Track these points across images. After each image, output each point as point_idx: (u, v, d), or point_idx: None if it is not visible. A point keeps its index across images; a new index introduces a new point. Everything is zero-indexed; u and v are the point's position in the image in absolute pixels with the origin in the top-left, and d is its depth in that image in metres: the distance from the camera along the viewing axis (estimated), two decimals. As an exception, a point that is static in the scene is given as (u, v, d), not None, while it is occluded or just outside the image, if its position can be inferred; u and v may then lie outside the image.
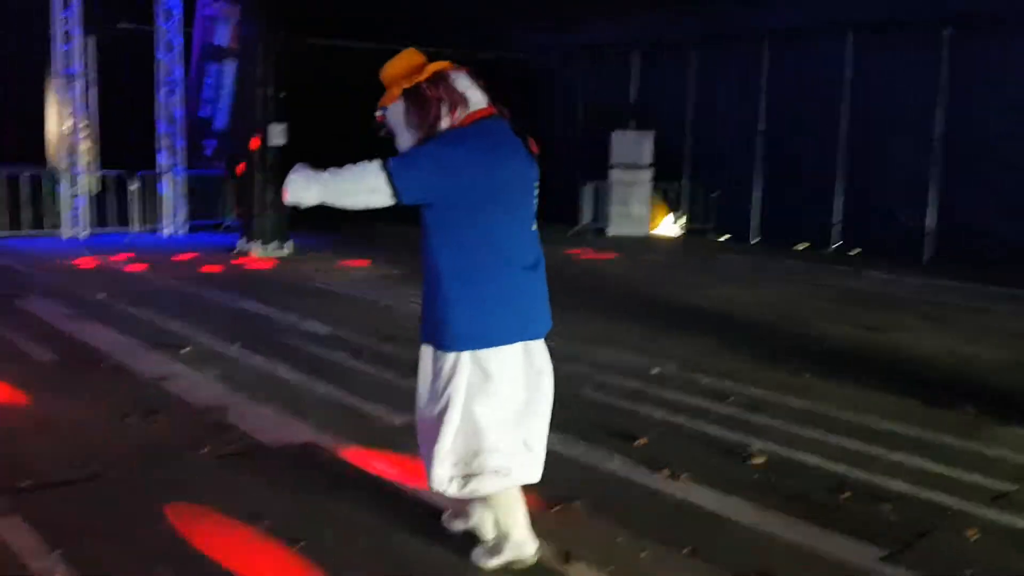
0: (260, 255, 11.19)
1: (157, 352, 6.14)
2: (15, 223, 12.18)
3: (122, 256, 10.90)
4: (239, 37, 12.42)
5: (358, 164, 2.95)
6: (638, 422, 4.87)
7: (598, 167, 15.01)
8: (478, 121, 3.03)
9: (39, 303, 7.84)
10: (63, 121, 12.79)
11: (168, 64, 13.21)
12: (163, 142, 13.26)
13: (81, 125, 13.16)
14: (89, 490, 3.72)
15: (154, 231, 13.20)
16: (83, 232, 12.66)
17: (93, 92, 13.97)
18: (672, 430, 4.78)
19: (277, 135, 10.91)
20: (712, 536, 3.49)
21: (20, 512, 3.43)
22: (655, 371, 5.99)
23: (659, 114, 15.15)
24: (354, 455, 4.23)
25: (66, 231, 12.55)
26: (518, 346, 3.06)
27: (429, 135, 3.00)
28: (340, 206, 3.02)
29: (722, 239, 14.51)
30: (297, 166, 3.05)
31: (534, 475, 3.16)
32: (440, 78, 3.03)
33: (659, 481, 4.03)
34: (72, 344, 6.37)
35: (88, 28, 12.88)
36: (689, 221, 15.24)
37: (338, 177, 2.96)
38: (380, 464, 4.11)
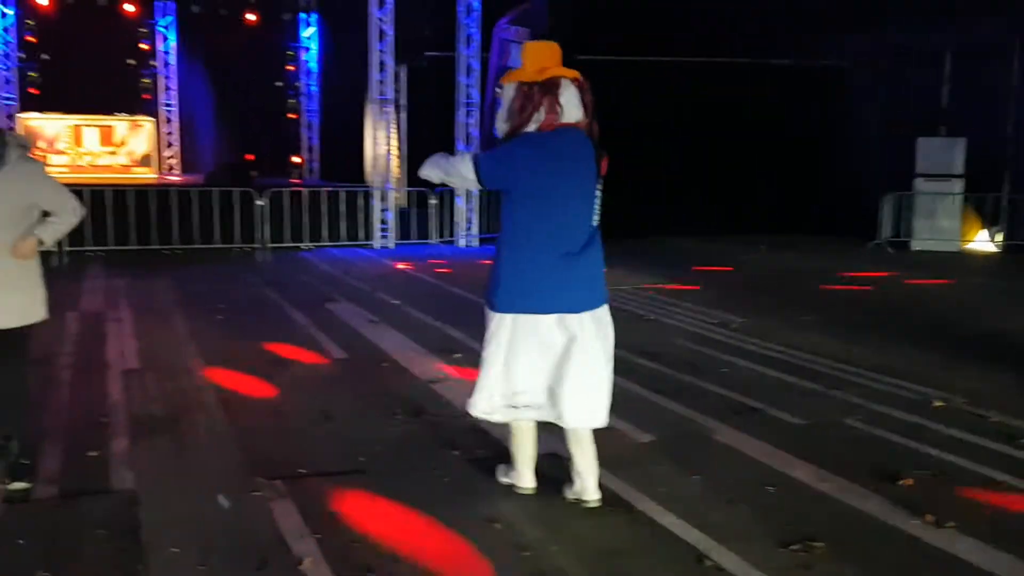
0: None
1: (434, 356, 6.61)
2: (335, 234, 13.68)
3: (421, 265, 11.86)
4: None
5: (460, 156, 3.78)
6: (907, 460, 4.46)
7: (900, 177, 13.90)
8: (558, 130, 3.64)
9: (344, 306, 8.74)
10: (377, 143, 14.19)
11: (467, 87, 14.18)
12: (461, 160, 14.25)
13: (392, 146, 14.51)
14: (352, 481, 4.10)
15: (449, 243, 14.22)
16: (391, 243, 13.94)
17: (403, 116, 15.35)
18: (946, 472, 4.31)
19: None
20: (972, 596, 3.12)
21: (293, 497, 3.87)
22: (937, 404, 5.44)
23: (973, 119, 13.71)
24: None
25: (376, 242, 13.90)
26: (551, 316, 3.68)
27: (515, 131, 3.67)
28: (450, 184, 3.90)
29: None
30: (436, 154, 3.86)
31: (550, 418, 3.80)
32: (552, 86, 3.63)
33: (920, 528, 3.66)
34: (364, 345, 7.04)
35: (400, 57, 14.21)
36: (1009, 237, 13.63)
37: (448, 164, 3.78)
38: (614, 482, 4.11)
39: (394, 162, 14.85)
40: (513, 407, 3.78)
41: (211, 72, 19.17)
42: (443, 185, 4.11)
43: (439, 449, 4.55)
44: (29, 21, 17.24)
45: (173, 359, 6.38)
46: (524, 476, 3.93)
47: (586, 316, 3.70)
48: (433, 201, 13.98)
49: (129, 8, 17.87)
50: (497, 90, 3.77)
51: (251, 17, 18.89)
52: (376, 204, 13.95)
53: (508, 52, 15.24)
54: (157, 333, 7.23)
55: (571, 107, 3.64)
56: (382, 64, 13.81)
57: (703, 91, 16.34)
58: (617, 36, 14.68)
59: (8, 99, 17.21)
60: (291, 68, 20.13)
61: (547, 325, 3.68)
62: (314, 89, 20.03)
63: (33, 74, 17.44)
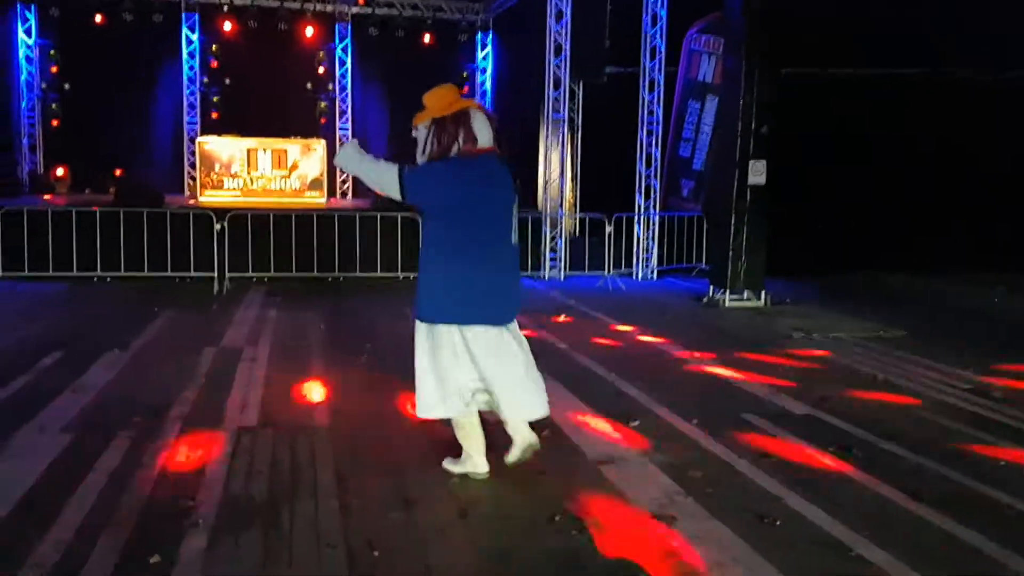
0: (729, 305, 10.10)
1: (605, 422, 5.34)
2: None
3: (592, 301, 10.61)
4: (723, 71, 11.57)
5: (387, 163, 3.98)
6: None
7: None
8: (478, 155, 3.93)
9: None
10: (550, 165, 13.11)
11: (649, 103, 12.88)
12: (641, 183, 12.95)
13: (567, 168, 13.41)
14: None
15: (626, 275, 12.88)
16: (560, 275, 12.78)
17: (578, 136, 14.21)
18: None
19: (756, 173, 9.76)
20: None
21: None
22: None
23: None
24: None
25: (545, 273, 12.78)
26: (474, 328, 3.99)
27: (440, 158, 3.92)
28: (366, 183, 4.09)
29: None
30: (353, 140, 4.13)
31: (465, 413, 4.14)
32: (463, 117, 3.91)
33: None
34: (521, 403, 5.85)
35: (577, 73, 13.09)
36: None
37: (370, 167, 4.01)
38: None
39: (568, 185, 13.73)
40: (464, 401, 4.07)
41: (386, 94, 18.84)
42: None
43: (607, 579, 3.27)
44: (214, 46, 17.47)
45: (298, 414, 5.44)
46: (479, 463, 4.19)
47: (491, 328, 4.00)
48: (608, 229, 12.69)
49: (309, 32, 17.81)
50: (413, 133, 3.97)
51: (427, 38, 18.44)
52: (546, 231, 12.85)
53: (697, 65, 13.86)
54: (289, 378, 6.35)
55: (483, 133, 3.94)
56: (557, 80, 12.75)
57: (915, 107, 14.27)
58: (823, 44, 12.97)
59: (191, 123, 17.49)
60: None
61: (460, 335, 3.97)
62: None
63: (215, 98, 17.64)
